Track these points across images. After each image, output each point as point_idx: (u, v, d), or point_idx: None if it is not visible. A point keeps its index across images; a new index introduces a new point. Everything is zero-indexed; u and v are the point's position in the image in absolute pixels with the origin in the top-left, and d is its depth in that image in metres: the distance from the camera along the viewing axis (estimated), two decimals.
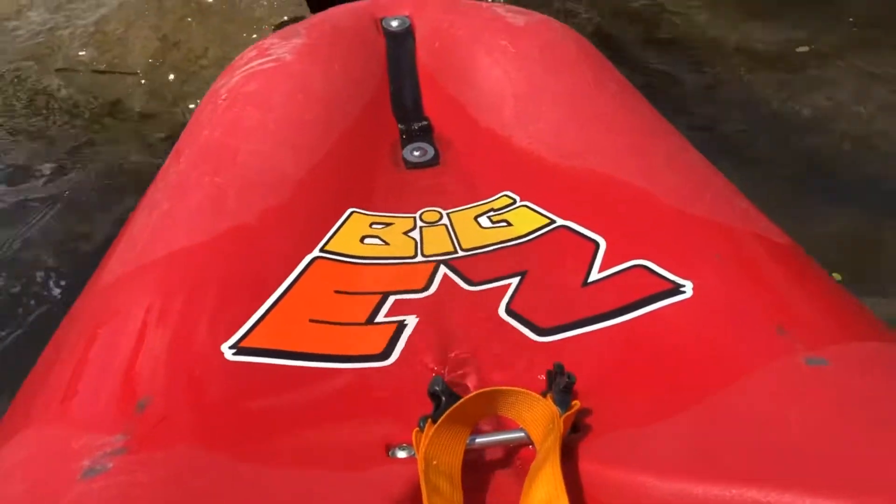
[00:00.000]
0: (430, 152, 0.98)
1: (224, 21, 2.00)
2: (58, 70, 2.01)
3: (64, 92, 1.99)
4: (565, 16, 2.19)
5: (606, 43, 2.15)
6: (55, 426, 0.60)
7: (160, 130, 1.90)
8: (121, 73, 2.00)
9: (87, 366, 0.65)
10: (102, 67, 2.00)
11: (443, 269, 0.76)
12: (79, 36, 2.05)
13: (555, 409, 0.54)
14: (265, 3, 2.07)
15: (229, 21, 1.98)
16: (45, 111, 1.97)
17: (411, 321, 0.69)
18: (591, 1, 2.31)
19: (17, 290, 1.47)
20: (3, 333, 1.38)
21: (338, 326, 0.69)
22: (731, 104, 1.98)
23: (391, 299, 0.72)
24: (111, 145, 1.86)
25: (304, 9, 2.00)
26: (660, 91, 1.95)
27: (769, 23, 2.21)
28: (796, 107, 1.93)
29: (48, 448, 0.58)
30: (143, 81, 2.00)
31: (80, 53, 2.02)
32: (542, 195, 0.84)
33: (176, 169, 0.88)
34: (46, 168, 1.83)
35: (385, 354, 0.66)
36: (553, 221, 0.80)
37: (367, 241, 0.81)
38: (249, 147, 0.88)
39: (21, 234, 1.64)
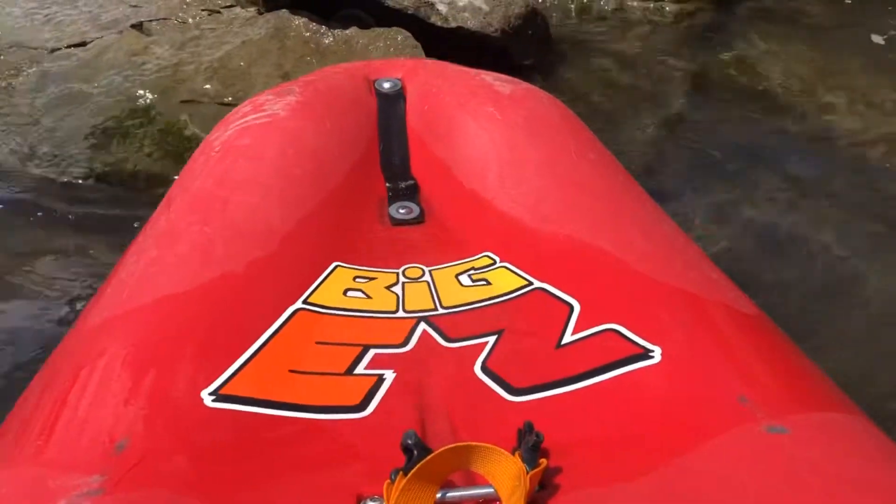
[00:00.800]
0: (416, 211, 1.01)
1: (341, 61, 2.04)
2: (183, 102, 2.06)
3: (189, 124, 2.04)
4: None
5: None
6: (33, 466, 0.61)
7: None
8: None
9: (67, 406, 0.66)
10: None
11: (423, 326, 0.79)
12: (203, 71, 2.10)
13: (522, 466, 0.56)
14: (381, 44, 2.12)
15: (346, 62, 2.03)
16: (170, 140, 2.01)
17: (389, 375, 0.71)
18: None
19: None
20: None
21: (317, 376, 0.71)
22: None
23: (371, 353, 0.74)
24: None
25: (420, 51, 2.06)
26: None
27: None
28: None
29: (25, 488, 0.59)
30: None
31: (205, 87, 2.07)
32: (520, 257, 0.87)
33: (166, 217, 0.91)
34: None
35: (362, 406, 0.68)
36: (530, 283, 0.83)
37: (349, 293, 0.83)
38: (239, 198, 0.90)
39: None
